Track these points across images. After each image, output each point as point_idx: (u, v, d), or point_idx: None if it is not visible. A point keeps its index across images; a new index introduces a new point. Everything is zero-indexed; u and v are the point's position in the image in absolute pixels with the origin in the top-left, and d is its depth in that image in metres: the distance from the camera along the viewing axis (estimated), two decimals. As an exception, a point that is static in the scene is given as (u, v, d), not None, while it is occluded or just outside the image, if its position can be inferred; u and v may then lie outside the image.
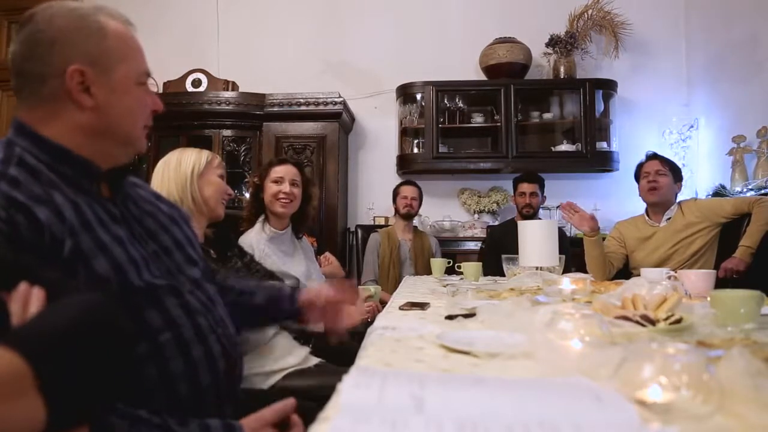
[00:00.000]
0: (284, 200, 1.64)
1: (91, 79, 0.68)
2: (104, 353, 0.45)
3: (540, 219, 2.67)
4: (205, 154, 1.29)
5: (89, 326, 0.45)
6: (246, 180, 3.04)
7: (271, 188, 1.65)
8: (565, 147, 3.21)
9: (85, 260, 0.64)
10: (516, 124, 3.17)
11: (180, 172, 1.24)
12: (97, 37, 0.69)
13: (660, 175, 2.07)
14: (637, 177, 2.17)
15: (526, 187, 2.67)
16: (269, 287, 1.00)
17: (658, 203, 2.09)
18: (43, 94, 0.68)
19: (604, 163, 3.16)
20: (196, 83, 3.25)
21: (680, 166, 2.26)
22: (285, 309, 0.96)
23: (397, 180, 3.07)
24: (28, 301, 0.47)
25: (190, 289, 0.76)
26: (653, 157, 2.16)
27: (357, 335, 1.60)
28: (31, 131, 0.68)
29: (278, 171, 1.67)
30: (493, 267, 2.05)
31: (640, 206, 2.23)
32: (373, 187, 3.43)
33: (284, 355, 1.30)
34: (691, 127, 3.22)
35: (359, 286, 2.01)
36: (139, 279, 0.69)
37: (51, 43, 0.67)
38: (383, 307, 1.68)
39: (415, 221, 2.90)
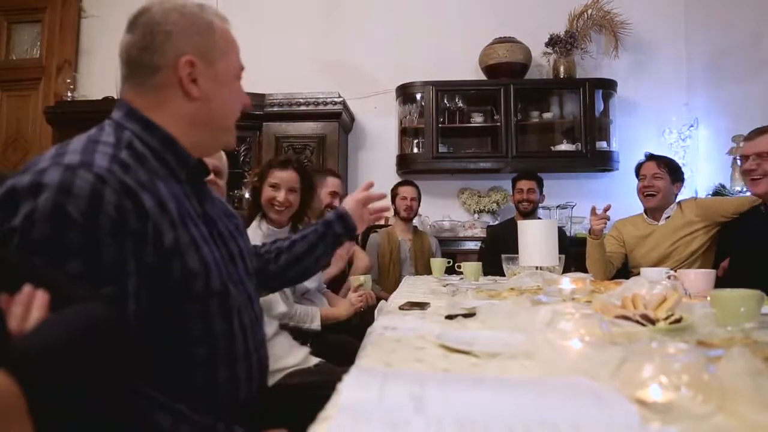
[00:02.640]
0: (278, 207, 1.60)
1: (200, 70, 0.72)
2: (102, 370, 0.44)
3: (540, 219, 2.67)
4: None
5: (88, 344, 0.44)
6: (246, 180, 3.04)
7: (267, 192, 1.60)
8: (564, 147, 3.21)
9: (181, 254, 0.65)
10: (516, 124, 3.17)
11: None
12: (207, 32, 0.74)
13: (656, 179, 2.06)
14: (637, 176, 2.17)
15: (523, 183, 2.67)
16: (311, 230, 1.01)
17: (655, 207, 2.09)
18: (153, 83, 0.71)
19: (603, 162, 3.15)
20: (196, 83, 3.24)
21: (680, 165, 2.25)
22: (340, 232, 1.00)
23: (397, 180, 3.07)
24: (31, 304, 0.47)
25: (246, 303, 0.76)
26: (651, 158, 2.15)
27: (356, 332, 1.60)
28: (142, 116, 0.71)
29: (277, 176, 1.61)
30: (493, 267, 2.05)
31: (639, 206, 2.23)
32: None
33: (284, 355, 1.30)
34: (691, 126, 3.22)
35: (349, 277, 2.01)
36: (218, 281, 0.69)
37: (167, 34, 0.71)
38: (377, 302, 1.68)
39: (415, 221, 2.90)
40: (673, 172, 2.10)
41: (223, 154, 1.26)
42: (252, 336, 0.75)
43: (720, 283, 1.60)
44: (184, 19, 0.72)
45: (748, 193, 2.53)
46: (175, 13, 0.72)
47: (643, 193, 2.09)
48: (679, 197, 2.16)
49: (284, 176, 1.61)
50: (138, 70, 0.72)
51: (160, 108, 0.72)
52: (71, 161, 0.60)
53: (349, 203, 1.02)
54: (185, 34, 0.71)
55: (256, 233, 1.61)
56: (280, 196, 1.60)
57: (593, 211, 1.96)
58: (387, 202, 0.95)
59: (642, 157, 2.21)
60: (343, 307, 1.76)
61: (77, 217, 0.57)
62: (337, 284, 2.09)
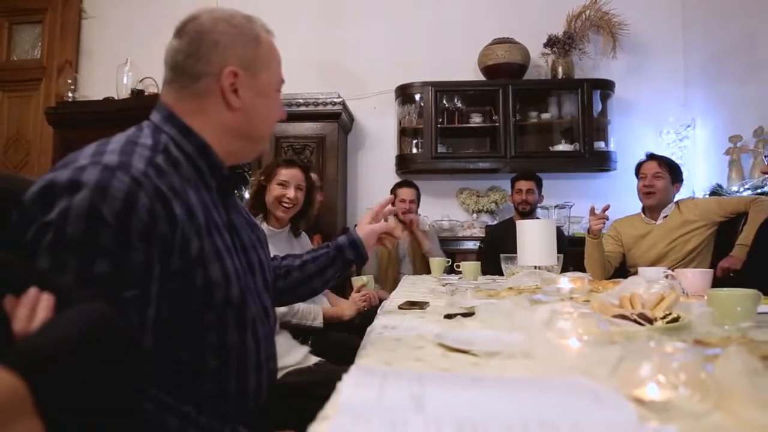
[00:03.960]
0: (286, 205, 1.63)
1: (242, 81, 0.72)
2: (107, 369, 0.45)
3: (538, 218, 2.67)
4: None
5: (92, 342, 0.44)
6: (252, 179, 3.03)
7: (275, 190, 1.63)
8: (563, 147, 3.21)
9: (204, 264, 0.65)
10: (514, 124, 3.17)
11: None
12: (253, 44, 0.74)
13: (656, 178, 2.08)
14: (637, 175, 2.18)
15: (522, 184, 2.68)
16: (322, 253, 1.00)
17: (654, 206, 2.10)
18: (195, 90, 0.71)
19: (601, 162, 3.16)
20: (195, 83, 3.24)
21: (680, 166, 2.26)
22: (351, 258, 0.99)
23: (396, 180, 3.07)
24: (37, 306, 0.47)
25: (262, 316, 0.76)
26: (652, 158, 2.16)
27: (356, 330, 1.61)
28: (180, 121, 0.71)
29: (284, 174, 1.64)
30: (491, 266, 2.06)
31: (637, 206, 2.24)
32: (373, 187, 3.43)
33: (284, 354, 1.30)
34: (688, 126, 3.23)
35: (352, 278, 2.02)
36: (237, 292, 0.69)
37: (214, 43, 0.71)
38: (379, 302, 1.68)
39: (414, 221, 2.90)
40: (673, 172, 2.11)
41: None
42: (265, 349, 0.75)
43: (736, 283, 1.60)
44: (231, 30, 0.72)
45: (745, 194, 2.55)
46: (223, 22, 0.72)
47: (643, 191, 2.10)
48: (677, 197, 2.17)
49: (291, 173, 1.65)
50: (181, 76, 0.72)
51: (199, 115, 0.72)
52: (110, 162, 0.60)
53: (363, 230, 1.00)
54: (231, 45, 0.72)
55: None
56: (290, 192, 1.63)
57: (592, 210, 1.97)
58: (399, 232, 0.98)
59: (641, 157, 2.22)
60: (346, 306, 1.76)
61: (110, 219, 0.57)
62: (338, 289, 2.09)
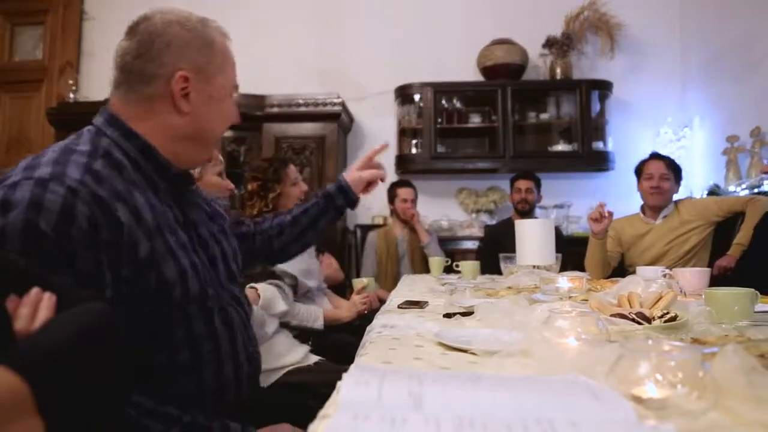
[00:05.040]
0: (302, 198, 1.71)
1: (193, 85, 0.71)
2: (107, 369, 0.45)
3: (537, 218, 2.68)
4: None
5: (91, 342, 0.44)
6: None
7: (294, 191, 1.68)
8: (561, 147, 3.22)
9: (157, 265, 0.65)
10: (513, 125, 3.18)
11: None
12: (207, 48, 0.72)
13: (664, 180, 2.08)
14: (638, 173, 2.17)
15: (521, 183, 2.69)
16: (311, 204, 1.02)
17: (659, 206, 2.11)
18: (145, 93, 0.70)
19: (599, 162, 3.17)
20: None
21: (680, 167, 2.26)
22: (341, 204, 1.02)
23: (396, 179, 3.07)
24: (39, 306, 0.47)
25: (230, 303, 0.76)
26: (658, 158, 2.15)
27: (356, 330, 1.61)
28: (124, 124, 0.70)
29: (294, 172, 1.72)
30: (490, 266, 2.06)
31: (635, 206, 2.25)
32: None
33: (284, 353, 1.31)
34: (686, 126, 3.24)
35: (353, 280, 2.01)
36: (196, 286, 0.69)
37: (166, 45, 0.69)
38: (380, 304, 1.68)
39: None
40: (676, 173, 2.12)
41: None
42: (240, 335, 0.75)
43: (733, 282, 1.60)
44: (184, 33, 0.71)
45: (742, 193, 2.56)
46: (176, 25, 0.71)
47: (651, 191, 2.09)
48: (675, 197, 2.18)
49: (295, 170, 1.76)
50: (130, 78, 0.70)
51: (145, 118, 0.71)
52: (42, 174, 0.60)
53: (351, 176, 1.03)
54: (184, 49, 0.70)
55: None
56: (304, 186, 1.74)
57: (593, 214, 1.91)
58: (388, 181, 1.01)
59: (639, 157, 2.22)
60: (346, 308, 1.76)
61: (49, 231, 0.57)
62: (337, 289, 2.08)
